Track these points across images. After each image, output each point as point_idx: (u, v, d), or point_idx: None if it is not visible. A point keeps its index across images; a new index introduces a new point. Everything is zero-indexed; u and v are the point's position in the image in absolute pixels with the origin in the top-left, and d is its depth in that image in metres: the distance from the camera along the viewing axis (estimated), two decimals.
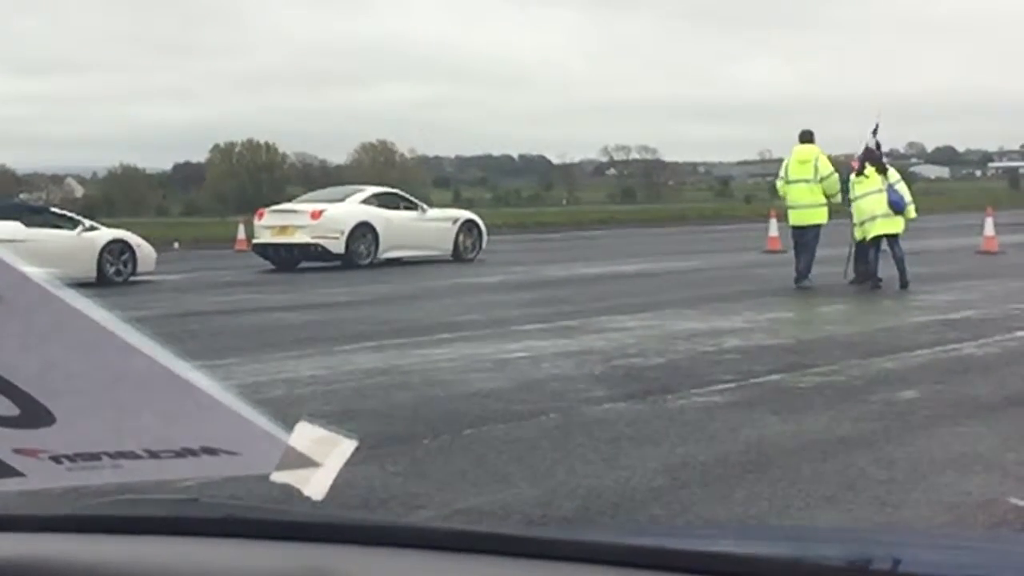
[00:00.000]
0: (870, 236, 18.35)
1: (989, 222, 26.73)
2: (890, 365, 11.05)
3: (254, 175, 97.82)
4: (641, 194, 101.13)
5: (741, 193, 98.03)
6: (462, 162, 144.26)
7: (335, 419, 8.56)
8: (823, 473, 7.03)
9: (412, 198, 28.97)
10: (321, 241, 25.70)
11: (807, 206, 19.03)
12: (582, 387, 10.07)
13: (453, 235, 27.85)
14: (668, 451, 7.63)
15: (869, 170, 18.43)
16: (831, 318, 15.46)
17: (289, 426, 1.05)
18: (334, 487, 1.09)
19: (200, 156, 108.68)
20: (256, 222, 27.49)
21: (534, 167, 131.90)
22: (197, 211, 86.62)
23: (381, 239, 26.32)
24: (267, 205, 28.94)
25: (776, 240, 27.46)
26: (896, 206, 18.17)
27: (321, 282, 22.62)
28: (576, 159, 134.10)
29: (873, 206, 18.30)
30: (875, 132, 19.20)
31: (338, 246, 25.71)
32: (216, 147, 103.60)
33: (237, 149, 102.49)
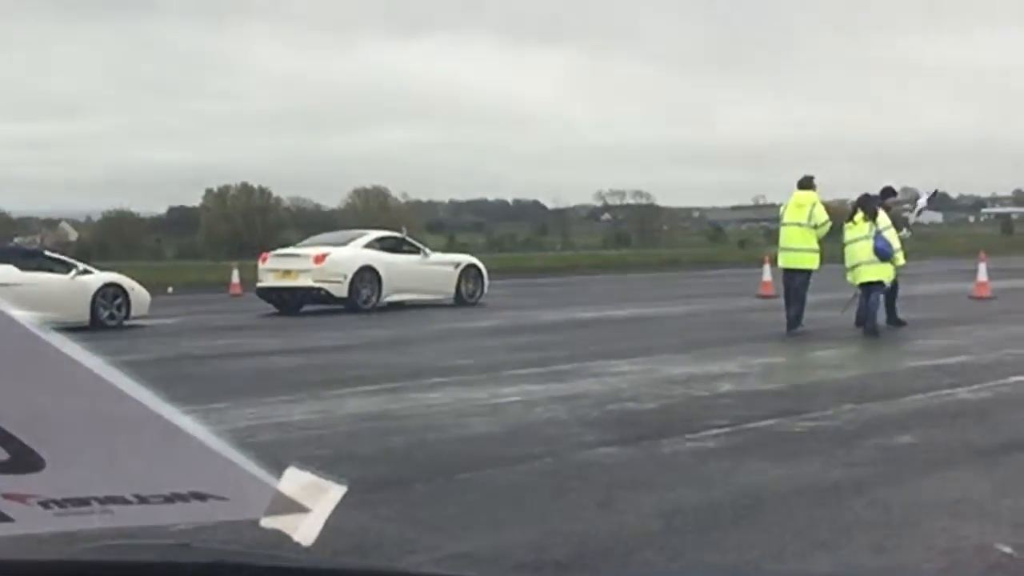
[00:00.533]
0: (857, 282, 18.41)
1: (982, 267, 26.78)
2: (884, 410, 11.04)
3: (248, 219, 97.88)
4: (635, 239, 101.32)
5: (735, 238, 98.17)
6: (456, 206, 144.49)
7: (328, 463, 8.55)
8: (817, 518, 7.01)
9: (415, 242, 29.16)
10: (324, 285, 25.71)
11: (798, 250, 19.11)
12: (575, 431, 10.05)
13: (455, 279, 27.92)
14: (661, 496, 7.61)
15: (858, 216, 18.47)
16: (825, 363, 15.46)
17: (281, 471, 1.05)
18: (325, 532, 1.09)
19: (194, 200, 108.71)
20: (260, 265, 27.41)
21: (528, 212, 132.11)
22: (191, 255, 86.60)
23: (384, 283, 26.36)
24: (262, 249, 28.94)
25: (769, 285, 27.47)
26: (882, 253, 18.17)
27: (316, 326, 22.62)
28: (571, 204, 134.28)
29: (859, 253, 18.35)
30: (931, 198, 19.60)
31: (341, 290, 25.75)
32: (210, 191, 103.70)
33: (231, 193, 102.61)
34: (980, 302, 25.11)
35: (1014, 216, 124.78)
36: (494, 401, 11.89)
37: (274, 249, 28.82)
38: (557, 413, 11.06)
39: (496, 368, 14.61)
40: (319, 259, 25.87)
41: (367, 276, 26.10)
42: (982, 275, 26.66)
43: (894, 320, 19.46)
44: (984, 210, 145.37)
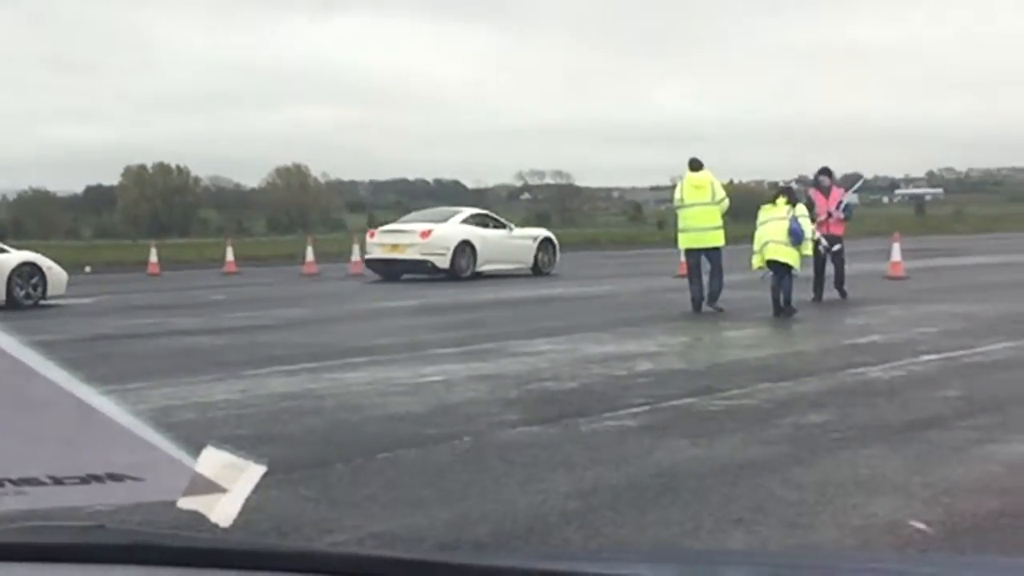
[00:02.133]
0: (764, 259, 18.47)
1: (896, 247, 27.11)
2: (799, 389, 11.16)
3: (166, 198, 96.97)
4: (555, 219, 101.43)
5: (654, 218, 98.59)
6: (377, 186, 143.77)
7: (248, 443, 8.51)
8: (733, 496, 7.08)
9: (500, 218, 32.17)
10: (430, 257, 28.75)
11: (705, 229, 19.31)
12: (496, 411, 10.08)
13: (534, 251, 31.16)
14: (581, 474, 7.65)
15: (780, 200, 18.63)
16: (741, 342, 15.58)
17: (198, 451, 1.05)
18: (244, 513, 1.09)
19: (112, 179, 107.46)
20: (368, 240, 30.62)
21: (449, 192, 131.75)
22: (109, 234, 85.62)
23: (479, 255, 29.50)
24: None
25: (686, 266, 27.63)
26: (795, 235, 18.28)
27: (234, 307, 22.48)
28: (491, 184, 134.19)
29: (772, 232, 18.44)
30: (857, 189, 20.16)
31: (445, 261, 28.80)
32: (128, 170, 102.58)
33: (149, 172, 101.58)
34: (894, 282, 25.42)
35: (927, 197, 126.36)
36: (415, 380, 11.89)
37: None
38: (478, 392, 11.08)
39: (417, 347, 14.59)
40: (425, 234, 28.95)
41: (465, 249, 29.22)
42: (896, 255, 26.99)
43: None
44: (898, 191, 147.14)
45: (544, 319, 18.29)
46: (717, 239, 19.41)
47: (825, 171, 21.83)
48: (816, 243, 19.94)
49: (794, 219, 18.35)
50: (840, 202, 21.33)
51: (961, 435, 8.81)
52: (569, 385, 11.54)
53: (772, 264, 18.37)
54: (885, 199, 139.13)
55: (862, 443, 8.56)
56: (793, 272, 18.41)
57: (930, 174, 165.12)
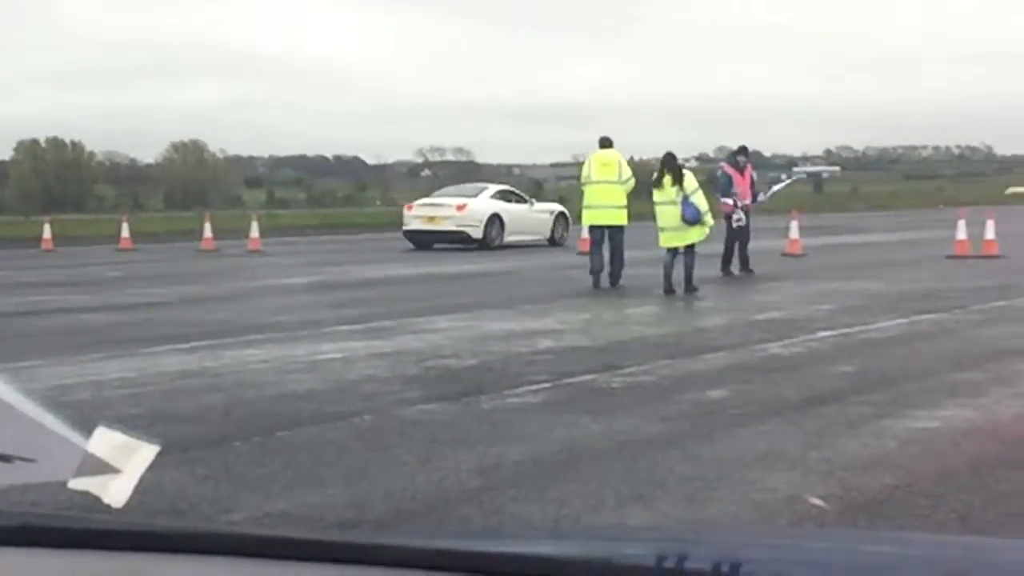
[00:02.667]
0: (665, 247, 18.58)
1: (794, 225, 27.43)
2: (699, 365, 11.25)
3: (60, 173, 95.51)
4: None
5: (554, 195, 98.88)
6: (276, 162, 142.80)
7: (143, 422, 8.42)
8: (634, 472, 7.12)
9: (523, 194, 35.70)
10: (466, 228, 31.66)
11: (609, 207, 19.43)
12: (396, 388, 10.04)
13: (551, 224, 33.94)
14: (481, 452, 7.65)
15: (665, 180, 18.55)
16: (642, 319, 15.68)
17: (91, 432, 1.02)
18: (139, 493, 1.06)
19: (4, 153, 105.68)
20: (406, 212, 33.34)
21: (349, 168, 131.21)
22: (0, 210, 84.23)
23: (506, 227, 32.36)
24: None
25: (588, 242, 27.76)
26: (690, 219, 18.34)
27: (130, 284, 22.20)
28: (391, 160, 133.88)
29: (666, 218, 18.54)
30: (791, 183, 20.95)
31: (478, 232, 31.72)
32: (20, 144, 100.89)
33: (42, 146, 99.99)
34: (792, 259, 25.73)
35: (825, 175, 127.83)
36: (314, 358, 11.81)
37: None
38: (377, 370, 11.04)
39: (315, 325, 14.51)
40: (460, 208, 31.88)
41: (496, 221, 32.19)
42: (794, 233, 27.31)
43: (746, 268, 21.64)
44: (796, 169, 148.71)
45: (444, 296, 18.26)
46: (621, 218, 19.54)
47: (742, 150, 22.37)
48: (730, 219, 21.26)
49: (685, 201, 18.32)
50: (772, 189, 22.51)
51: (856, 410, 8.93)
52: (470, 362, 11.54)
53: (670, 248, 18.48)
54: (783, 176, 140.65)
55: (760, 419, 8.64)
56: (695, 249, 18.55)
57: (828, 152, 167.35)
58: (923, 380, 10.26)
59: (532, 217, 33.63)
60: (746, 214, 21.83)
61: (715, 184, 22.35)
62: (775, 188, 26.14)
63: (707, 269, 20.02)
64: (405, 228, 33.23)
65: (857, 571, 1.96)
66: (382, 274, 23.38)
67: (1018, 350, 11.97)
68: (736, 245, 21.85)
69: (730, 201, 21.94)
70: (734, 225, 21.76)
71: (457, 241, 31.55)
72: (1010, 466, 7.21)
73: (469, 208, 32.00)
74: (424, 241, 32.25)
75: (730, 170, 22.03)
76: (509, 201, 33.54)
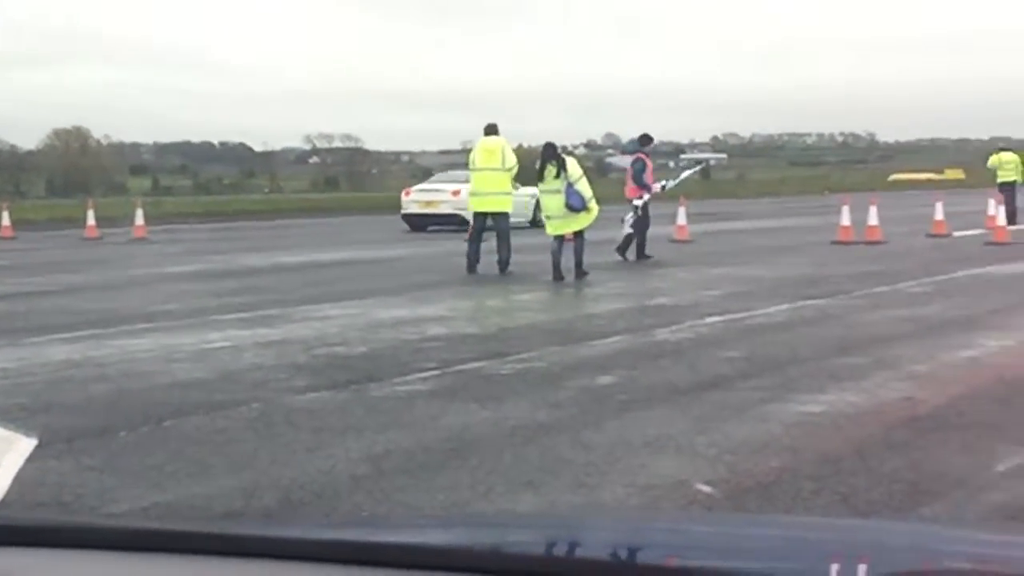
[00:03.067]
0: (551, 234, 18.67)
1: (681, 211, 27.66)
2: (588, 351, 11.30)
3: None
4: (344, 183, 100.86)
5: None
6: (160, 148, 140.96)
7: (26, 414, 8.27)
8: (524, 458, 7.13)
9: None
10: (460, 211, 31.59)
11: (494, 193, 19.53)
12: (284, 377, 9.97)
13: (532, 207, 33.46)
14: (371, 440, 7.62)
15: (548, 169, 18.62)
16: (532, 306, 15.72)
17: None
18: (22, 485, 1.04)
19: None
20: (404, 198, 35.68)
21: (235, 154, 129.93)
22: None
23: None
24: None
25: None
26: (576, 206, 18.45)
27: (11, 272, 21.80)
28: (278, 147, 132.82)
29: (551, 206, 18.65)
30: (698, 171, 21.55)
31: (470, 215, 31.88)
32: None
33: None
34: (679, 245, 25.94)
35: (712, 162, 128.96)
36: (201, 347, 11.69)
37: None
38: (265, 358, 10.95)
39: (202, 313, 14.36)
40: (455, 193, 33.01)
41: None
42: (681, 219, 27.55)
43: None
44: (683, 156, 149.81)
45: (333, 283, 18.16)
46: (504, 204, 19.64)
47: (646, 139, 23.53)
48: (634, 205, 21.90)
49: (569, 189, 18.42)
50: (681, 177, 23.28)
51: (743, 395, 9.03)
52: (359, 350, 11.49)
53: (558, 236, 18.57)
54: (671, 163, 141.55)
55: (649, 404, 8.71)
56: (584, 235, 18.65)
57: (715, 139, 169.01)
58: (808, 365, 10.39)
59: (517, 201, 33.85)
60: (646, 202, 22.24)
61: (634, 172, 22.67)
62: (683, 176, 26.77)
63: (599, 256, 20.11)
64: (403, 212, 35.49)
65: (745, 554, 1.98)
66: (269, 262, 23.19)
67: (900, 335, 12.18)
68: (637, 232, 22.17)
69: (656, 187, 22.99)
70: (637, 212, 22.17)
71: (452, 224, 32.91)
72: (892, 448, 7.33)
73: (463, 193, 32.02)
74: (420, 224, 34.43)
75: (645, 158, 22.66)
76: None
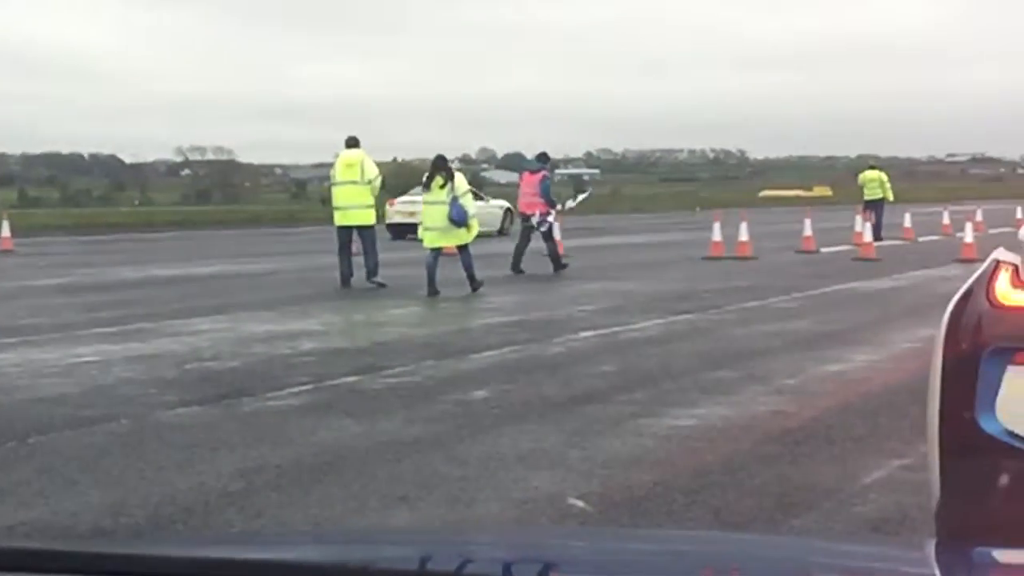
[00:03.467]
0: (429, 247, 18.67)
1: (556, 227, 27.77)
2: (462, 366, 11.30)
3: None
4: (216, 195, 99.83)
5: (317, 196, 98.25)
6: (28, 159, 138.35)
7: None
8: (398, 473, 7.11)
9: (480, 192, 39.32)
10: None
11: (354, 207, 19.49)
12: (155, 392, 9.83)
13: (501, 217, 40.17)
14: (243, 455, 7.55)
15: (436, 180, 18.70)
16: (406, 320, 15.68)
17: None
18: None
19: None
20: (388, 208, 37.18)
21: (105, 166, 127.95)
22: None
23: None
24: None
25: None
26: (457, 221, 18.49)
27: None
28: (149, 159, 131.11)
29: (432, 218, 18.67)
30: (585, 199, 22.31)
31: None
32: None
33: None
34: None
35: (585, 177, 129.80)
36: (68, 361, 11.48)
37: None
38: (135, 373, 10.79)
39: (71, 327, 14.10)
40: None
41: None
42: (557, 234, 27.66)
43: (560, 265, 22.78)
44: (558, 171, 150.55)
45: (204, 298, 17.95)
46: (366, 217, 19.60)
47: (543, 156, 24.71)
48: (528, 219, 22.94)
49: (454, 202, 18.46)
50: (579, 198, 26.52)
51: (617, 409, 9.08)
52: (230, 365, 11.37)
53: (431, 249, 18.56)
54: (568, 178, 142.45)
55: (523, 418, 8.73)
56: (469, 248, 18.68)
57: (588, 155, 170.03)
58: (680, 379, 10.49)
59: (488, 212, 38.19)
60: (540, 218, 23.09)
61: (543, 188, 23.39)
62: (580, 198, 28.31)
63: (483, 271, 20.11)
64: (388, 221, 36.60)
65: (618, 568, 1.99)
66: (141, 275, 22.86)
67: (770, 349, 12.35)
68: (523, 246, 22.96)
69: (559, 206, 24.44)
70: (542, 228, 22.94)
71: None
72: (762, 462, 7.43)
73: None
74: (403, 232, 35.64)
75: (549, 176, 23.78)
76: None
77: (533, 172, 23.88)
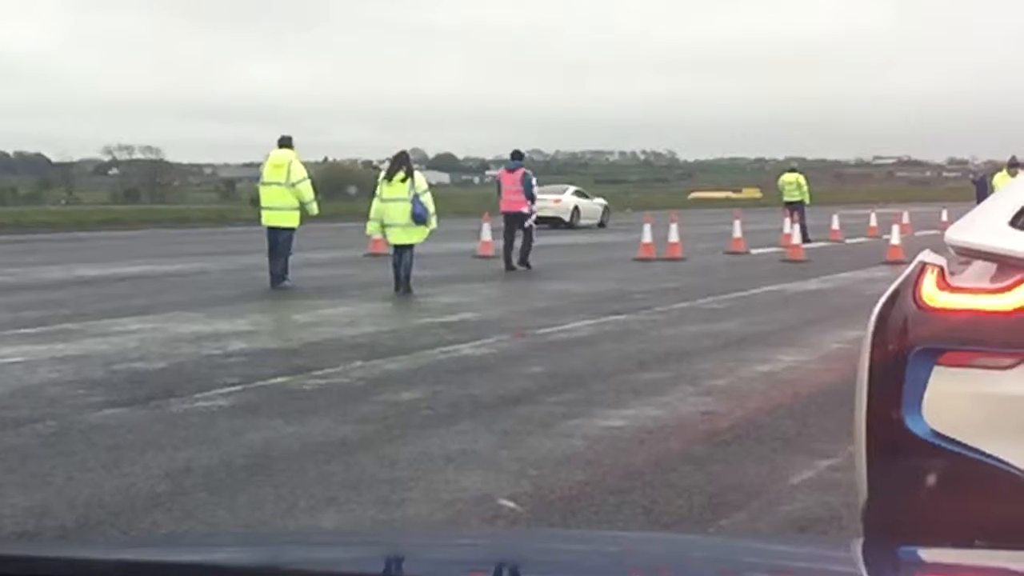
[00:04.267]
0: (391, 243, 18.79)
1: (486, 227, 27.80)
2: (392, 367, 11.27)
3: None
4: (145, 195, 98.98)
5: (247, 195, 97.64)
6: None
7: None
8: (327, 474, 7.08)
9: (584, 191, 51.02)
10: (559, 215, 44.44)
11: (279, 208, 19.41)
12: (82, 392, 9.74)
13: (601, 212, 48.31)
14: (171, 456, 7.49)
15: (398, 175, 18.81)
16: (336, 320, 15.61)
17: None
18: None
19: None
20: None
21: (31, 165, 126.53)
22: None
23: (581, 213, 46.58)
24: None
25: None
26: (418, 218, 18.61)
27: None
28: (76, 158, 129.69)
29: (393, 214, 18.72)
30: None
31: (567, 217, 45.23)
32: None
33: None
34: (484, 261, 26.05)
35: None
36: None
37: None
38: (62, 374, 10.68)
39: None
40: (557, 201, 45.00)
41: (576, 210, 46.51)
42: (486, 235, 27.67)
43: (526, 264, 23.45)
44: (488, 172, 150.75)
45: (132, 297, 17.80)
46: (287, 219, 19.48)
47: (520, 154, 25.69)
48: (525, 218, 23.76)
49: (416, 199, 18.59)
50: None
51: (547, 410, 9.10)
52: (159, 365, 11.28)
53: (396, 245, 18.65)
54: (476, 179, 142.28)
55: (454, 419, 8.72)
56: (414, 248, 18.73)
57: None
58: (611, 380, 10.53)
59: (592, 207, 48.08)
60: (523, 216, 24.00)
61: (527, 185, 24.13)
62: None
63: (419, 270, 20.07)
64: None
65: (547, 568, 1.99)
66: (68, 275, 22.61)
67: (700, 350, 12.41)
68: (511, 244, 23.81)
69: (535, 204, 24.72)
70: (526, 224, 23.89)
71: (553, 223, 42.04)
72: (692, 462, 7.47)
73: (563, 201, 46.07)
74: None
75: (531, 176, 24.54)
76: (581, 197, 48.44)
77: (511, 171, 24.50)
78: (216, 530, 5.93)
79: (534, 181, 24.77)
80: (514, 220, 23.83)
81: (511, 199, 23.97)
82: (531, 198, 24.01)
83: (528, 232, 23.93)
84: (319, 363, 11.35)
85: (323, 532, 5.04)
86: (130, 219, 53.81)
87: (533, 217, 24.17)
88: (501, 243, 24.19)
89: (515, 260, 23.49)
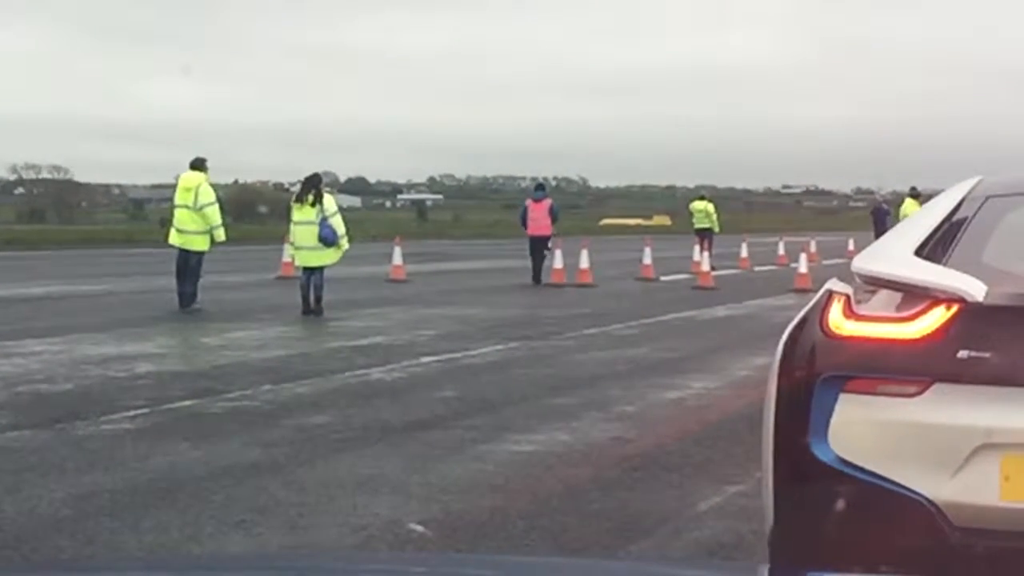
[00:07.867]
0: (300, 265, 18.83)
1: (397, 251, 27.74)
2: (302, 390, 11.20)
3: None
4: (52, 215, 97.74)
5: (156, 216, 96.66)
6: None
7: None
8: (235, 498, 7.02)
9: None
10: None
11: (188, 232, 19.28)
12: None
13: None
14: (75, 480, 7.39)
15: (308, 198, 18.87)
16: (245, 343, 15.49)
17: None
18: None
19: None
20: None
21: None
22: None
23: None
24: None
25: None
26: (327, 240, 18.65)
27: None
28: None
29: (302, 237, 18.76)
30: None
31: None
32: None
33: None
34: (396, 285, 25.99)
35: (428, 203, 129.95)
36: None
37: None
38: None
39: None
40: None
41: None
42: (397, 259, 27.61)
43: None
44: (400, 196, 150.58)
45: (37, 318, 17.56)
46: (196, 243, 19.35)
47: (541, 186, 29.87)
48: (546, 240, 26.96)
49: (323, 222, 18.65)
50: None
51: (457, 435, 9.09)
52: (64, 387, 11.13)
53: (305, 268, 18.67)
54: (388, 203, 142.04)
55: (363, 443, 8.69)
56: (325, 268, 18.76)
57: (431, 180, 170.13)
58: (520, 405, 10.54)
59: None
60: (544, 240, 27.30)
61: (555, 212, 28.15)
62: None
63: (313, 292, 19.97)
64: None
65: None
66: None
67: (610, 376, 12.46)
68: (540, 261, 26.91)
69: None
70: (549, 246, 27.02)
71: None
72: (601, 488, 7.48)
73: None
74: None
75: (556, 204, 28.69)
76: None
77: (538, 200, 28.10)
78: (121, 555, 5.85)
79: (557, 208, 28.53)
80: (539, 243, 27.16)
81: (539, 224, 27.29)
82: (555, 221, 27.73)
83: (550, 252, 27.01)
84: (227, 386, 11.26)
85: (230, 556, 4.99)
86: (36, 239, 53.10)
87: (552, 240, 27.21)
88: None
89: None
